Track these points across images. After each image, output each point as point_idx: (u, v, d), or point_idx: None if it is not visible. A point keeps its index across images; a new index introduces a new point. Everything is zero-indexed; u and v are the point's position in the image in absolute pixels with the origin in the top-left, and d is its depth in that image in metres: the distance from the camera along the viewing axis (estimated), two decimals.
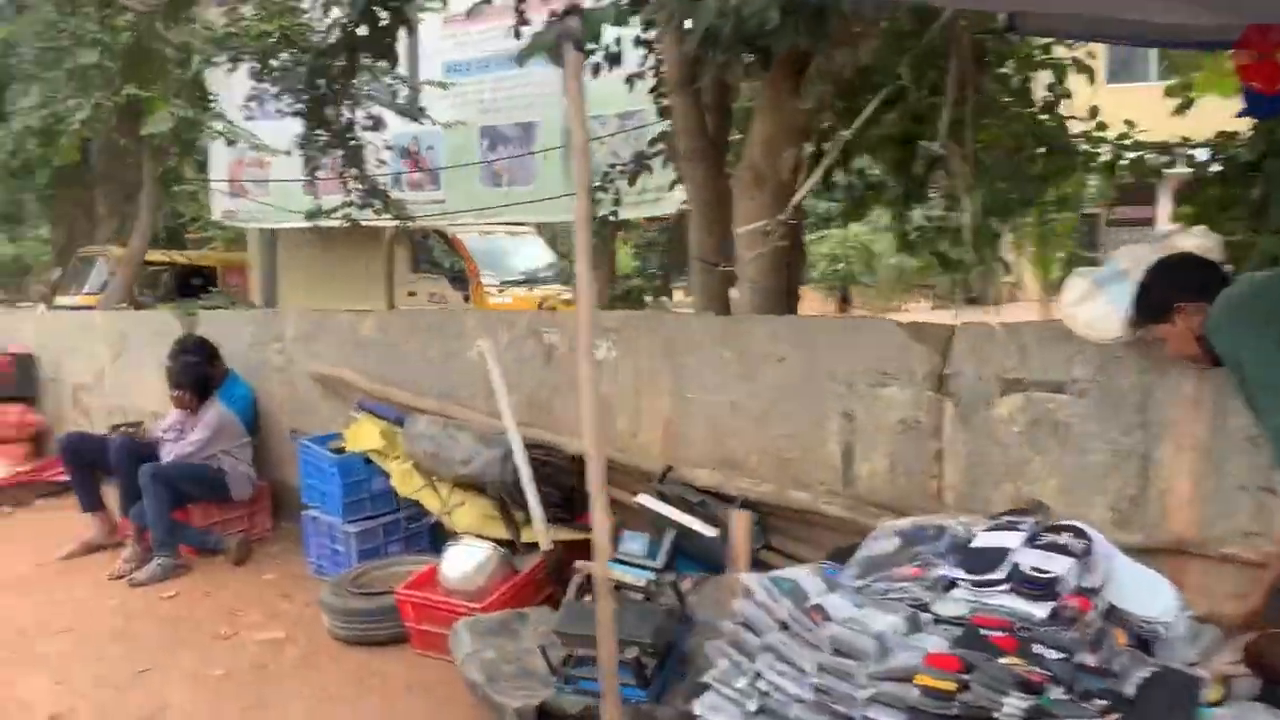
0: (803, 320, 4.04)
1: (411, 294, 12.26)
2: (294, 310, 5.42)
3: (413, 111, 7.87)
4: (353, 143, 7.86)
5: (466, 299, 11.77)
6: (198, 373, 5.06)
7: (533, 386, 4.35)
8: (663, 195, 8.55)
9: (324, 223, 12.43)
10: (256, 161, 12.33)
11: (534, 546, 4.01)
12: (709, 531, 3.48)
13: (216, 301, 8.85)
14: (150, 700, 3.67)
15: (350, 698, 3.62)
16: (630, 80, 5.84)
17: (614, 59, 5.14)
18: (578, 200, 2.46)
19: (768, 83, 4.24)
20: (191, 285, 14.98)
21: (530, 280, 12.36)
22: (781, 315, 4.08)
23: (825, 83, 4.13)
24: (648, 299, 7.24)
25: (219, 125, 7.24)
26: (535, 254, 13.09)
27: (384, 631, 3.96)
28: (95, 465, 5.29)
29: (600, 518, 2.57)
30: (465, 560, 3.85)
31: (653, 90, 6.08)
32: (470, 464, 4.03)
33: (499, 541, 3.99)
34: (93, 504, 5.29)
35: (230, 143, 7.71)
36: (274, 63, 7.46)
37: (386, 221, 9.87)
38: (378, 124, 8.09)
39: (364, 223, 9.67)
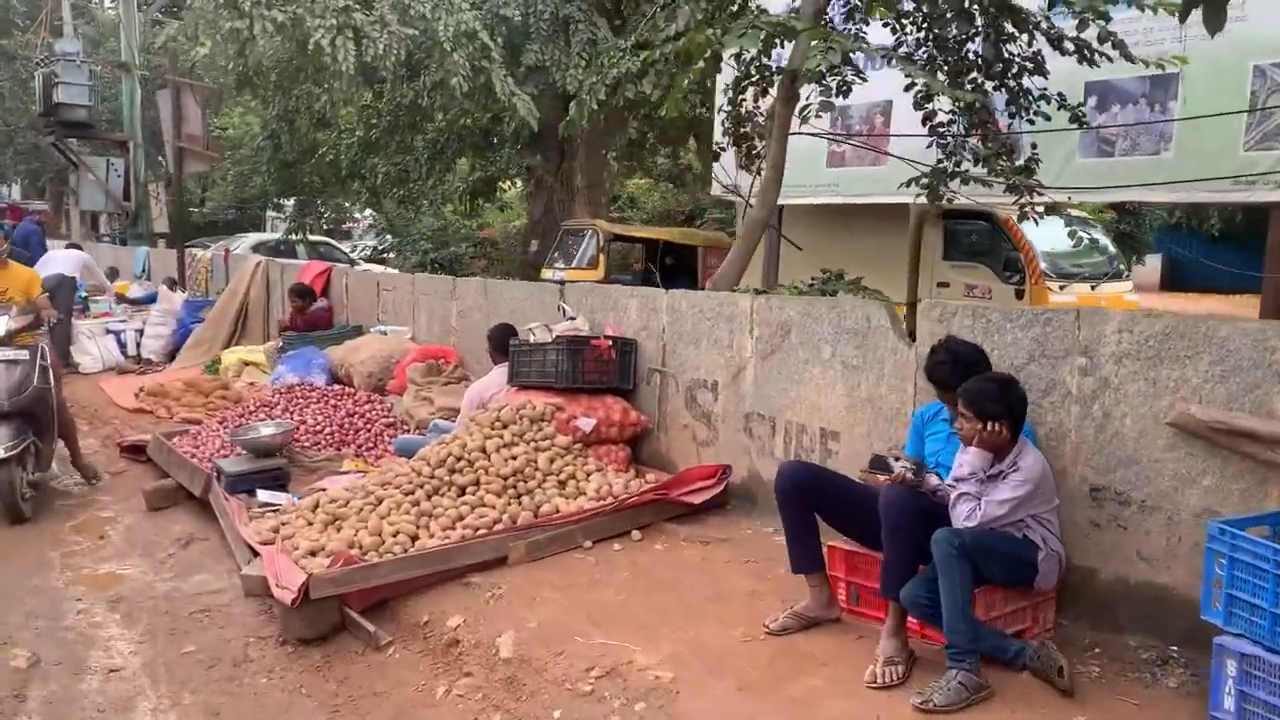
0: None
1: (943, 285, 10.39)
2: (1121, 315, 3.63)
3: (1086, 51, 5.88)
4: (1009, 87, 6.09)
5: (1019, 294, 9.71)
6: (1018, 398, 3.42)
7: None
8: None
9: (840, 199, 11.01)
10: None
11: None
12: None
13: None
14: None
15: None
16: None
17: None
18: None
19: None
20: (666, 266, 14.06)
21: (1092, 275, 10.12)
22: None
23: None
24: None
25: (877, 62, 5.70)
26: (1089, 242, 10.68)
27: None
28: (822, 509, 3.85)
29: None
30: None
31: None
32: None
33: None
34: (813, 563, 3.85)
35: (843, 90, 6.17)
36: None
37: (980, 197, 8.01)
38: (1039, 67, 6.24)
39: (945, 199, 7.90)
